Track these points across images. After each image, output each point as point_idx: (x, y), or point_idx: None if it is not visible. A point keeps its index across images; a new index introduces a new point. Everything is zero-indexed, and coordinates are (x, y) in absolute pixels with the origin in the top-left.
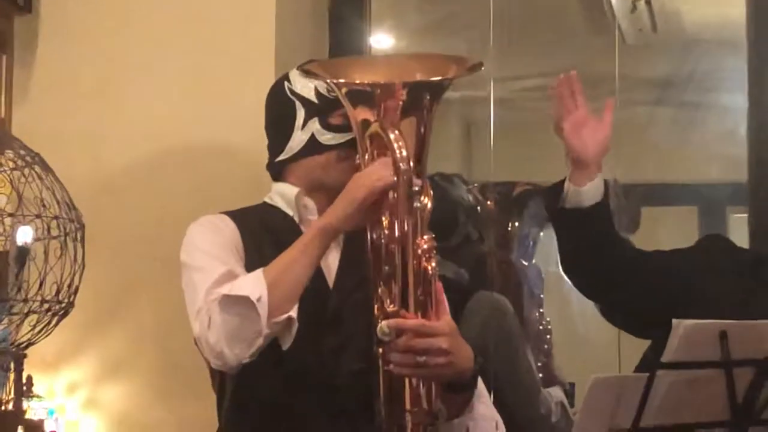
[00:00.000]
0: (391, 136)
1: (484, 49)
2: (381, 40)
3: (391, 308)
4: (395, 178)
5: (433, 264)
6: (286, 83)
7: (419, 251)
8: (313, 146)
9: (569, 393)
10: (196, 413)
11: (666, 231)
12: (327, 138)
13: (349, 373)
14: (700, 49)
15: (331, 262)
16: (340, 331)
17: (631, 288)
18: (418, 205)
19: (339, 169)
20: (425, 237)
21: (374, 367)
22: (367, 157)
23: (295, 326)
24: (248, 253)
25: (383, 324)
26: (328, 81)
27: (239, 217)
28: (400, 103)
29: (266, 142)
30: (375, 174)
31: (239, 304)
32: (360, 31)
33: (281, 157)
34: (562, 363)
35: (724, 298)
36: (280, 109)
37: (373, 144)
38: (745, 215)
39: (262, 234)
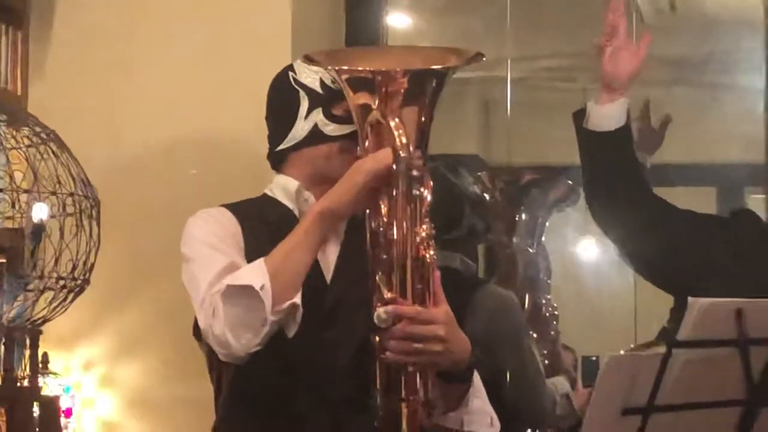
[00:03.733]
0: (392, 124)
1: (502, 28)
2: (398, 19)
3: (388, 295)
4: (394, 165)
5: (431, 252)
6: (290, 73)
7: (417, 239)
8: (315, 136)
9: (574, 382)
10: (211, 390)
11: None
12: (330, 129)
13: (346, 364)
14: (719, 29)
15: (330, 256)
16: (338, 324)
17: (651, 234)
18: (417, 192)
19: (340, 160)
20: (424, 225)
21: (371, 358)
22: (367, 144)
23: (300, 313)
24: (248, 246)
25: (380, 310)
26: (329, 68)
27: (239, 209)
28: (401, 90)
29: None
30: (375, 160)
31: (243, 293)
32: (377, 11)
33: (282, 146)
34: (577, 340)
35: (742, 272)
36: (283, 99)
37: (373, 131)
38: (763, 196)
39: (262, 227)
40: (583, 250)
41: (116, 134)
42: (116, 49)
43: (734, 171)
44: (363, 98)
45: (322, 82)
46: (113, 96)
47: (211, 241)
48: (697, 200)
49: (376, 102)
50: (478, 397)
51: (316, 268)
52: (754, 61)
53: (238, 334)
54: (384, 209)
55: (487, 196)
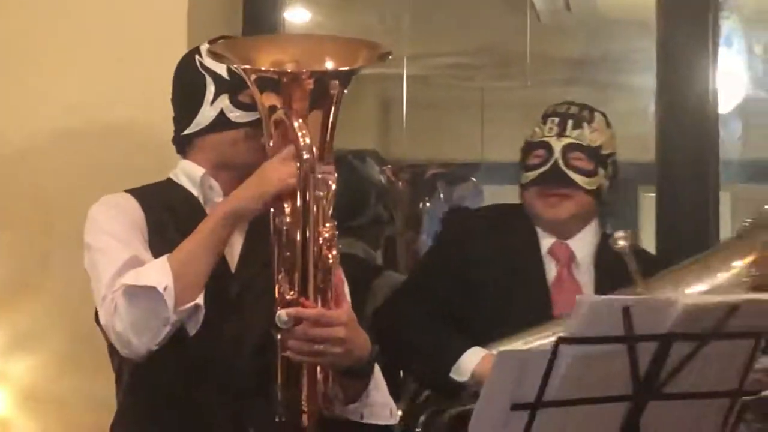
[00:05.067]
0: (295, 125)
1: (398, 25)
2: (296, 14)
3: (290, 295)
4: (297, 164)
5: (334, 252)
6: (197, 57)
7: (321, 239)
8: (221, 122)
9: None
10: (106, 386)
11: None
12: (236, 115)
13: (248, 358)
14: (612, 29)
15: (235, 248)
16: (241, 316)
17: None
18: (321, 193)
19: (246, 147)
20: (327, 225)
21: (273, 352)
22: (272, 142)
23: (202, 313)
24: (151, 234)
25: (282, 312)
26: (235, 67)
27: (142, 195)
28: (308, 90)
29: None
30: (286, 171)
31: (145, 293)
32: (274, 4)
33: (188, 131)
34: None
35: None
36: (189, 83)
37: (278, 129)
38: (654, 194)
39: (166, 214)
40: None
41: (6, 129)
42: (8, 39)
43: (627, 169)
44: (269, 96)
45: (228, 68)
46: (2, 90)
47: (114, 231)
48: None
49: (282, 100)
50: (378, 389)
51: (220, 259)
52: (645, 61)
53: (139, 333)
54: (288, 209)
55: (391, 188)
